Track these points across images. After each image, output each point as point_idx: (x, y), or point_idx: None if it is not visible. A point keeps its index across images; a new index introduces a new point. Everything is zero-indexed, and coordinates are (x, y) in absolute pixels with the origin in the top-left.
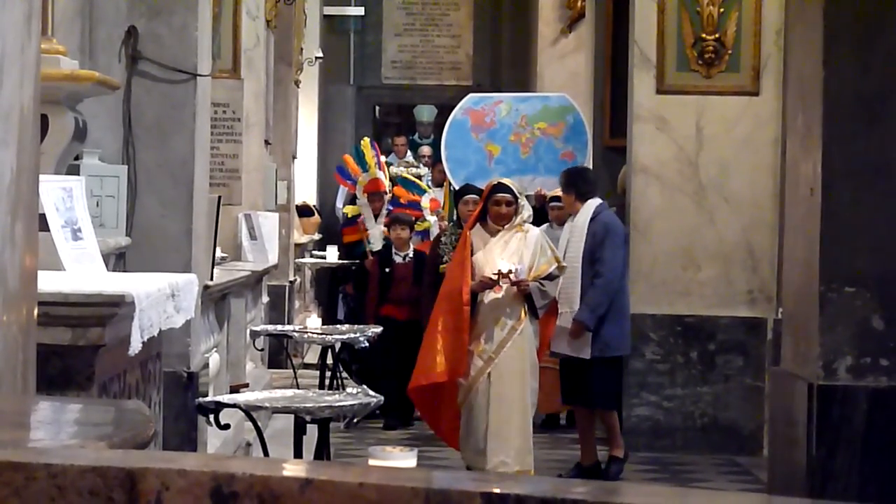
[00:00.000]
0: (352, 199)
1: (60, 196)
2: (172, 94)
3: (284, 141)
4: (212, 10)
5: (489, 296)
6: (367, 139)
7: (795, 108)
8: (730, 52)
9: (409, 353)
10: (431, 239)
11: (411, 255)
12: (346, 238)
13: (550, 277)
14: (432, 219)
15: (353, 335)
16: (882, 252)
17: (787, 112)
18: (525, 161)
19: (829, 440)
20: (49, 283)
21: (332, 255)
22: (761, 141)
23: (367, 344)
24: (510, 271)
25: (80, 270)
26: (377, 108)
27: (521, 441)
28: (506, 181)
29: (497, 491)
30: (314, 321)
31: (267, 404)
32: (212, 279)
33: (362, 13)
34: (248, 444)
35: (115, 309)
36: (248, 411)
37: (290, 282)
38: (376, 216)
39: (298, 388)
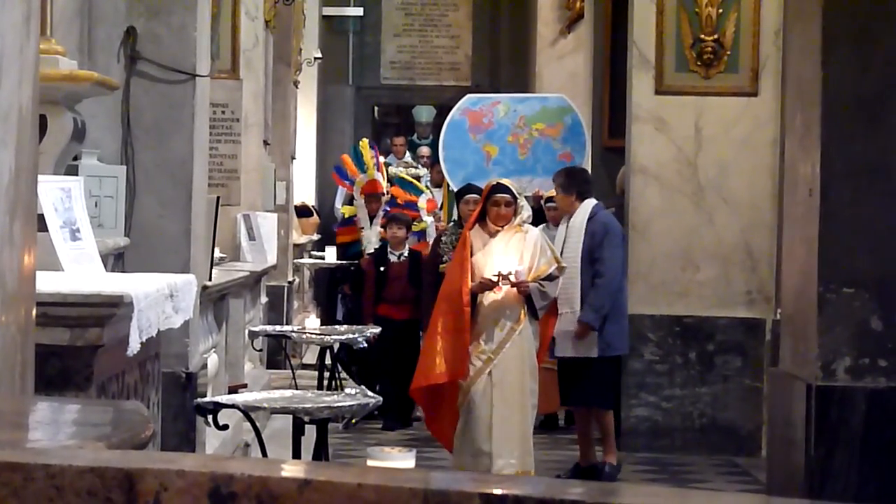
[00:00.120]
0: (349, 200)
1: (59, 196)
2: (171, 95)
3: (283, 141)
4: (211, 10)
5: (488, 297)
6: (365, 140)
7: (794, 109)
8: (728, 52)
9: (406, 353)
10: (428, 239)
11: (406, 254)
12: (339, 238)
13: (550, 278)
14: (429, 219)
15: (351, 335)
16: (881, 253)
17: (785, 113)
18: (523, 162)
19: (827, 441)
20: (48, 283)
21: (330, 255)
22: (760, 141)
23: (365, 344)
24: (510, 272)
25: (78, 271)
26: (376, 108)
27: (521, 442)
28: (505, 181)
29: (495, 491)
30: (313, 322)
31: (265, 405)
32: (210, 279)
33: (361, 14)
34: (247, 445)
35: (113, 309)
36: (247, 412)
37: (289, 282)
38: (373, 217)
39: (297, 389)
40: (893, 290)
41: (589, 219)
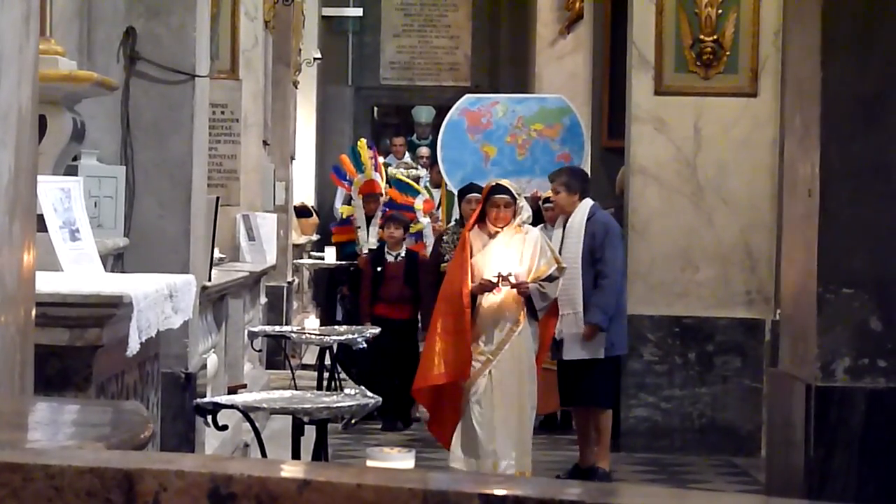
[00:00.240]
0: (349, 200)
1: (58, 196)
2: (171, 95)
3: (283, 142)
4: (210, 10)
5: (488, 298)
6: (363, 140)
7: (793, 109)
8: (728, 53)
9: (403, 353)
10: (425, 240)
11: (403, 254)
12: (335, 237)
13: (550, 279)
14: (425, 220)
15: (350, 336)
16: (880, 253)
17: (785, 113)
18: (521, 163)
19: (826, 441)
20: (47, 283)
21: (330, 255)
22: (759, 142)
23: (364, 345)
24: (509, 273)
25: (78, 271)
26: (375, 108)
27: (519, 443)
28: (504, 182)
29: (495, 492)
30: (312, 322)
31: (265, 405)
32: (210, 280)
33: (360, 14)
34: (246, 445)
35: (113, 310)
36: (246, 412)
37: (288, 283)
38: (371, 218)
39: (296, 389)
40: (893, 290)
41: (588, 219)
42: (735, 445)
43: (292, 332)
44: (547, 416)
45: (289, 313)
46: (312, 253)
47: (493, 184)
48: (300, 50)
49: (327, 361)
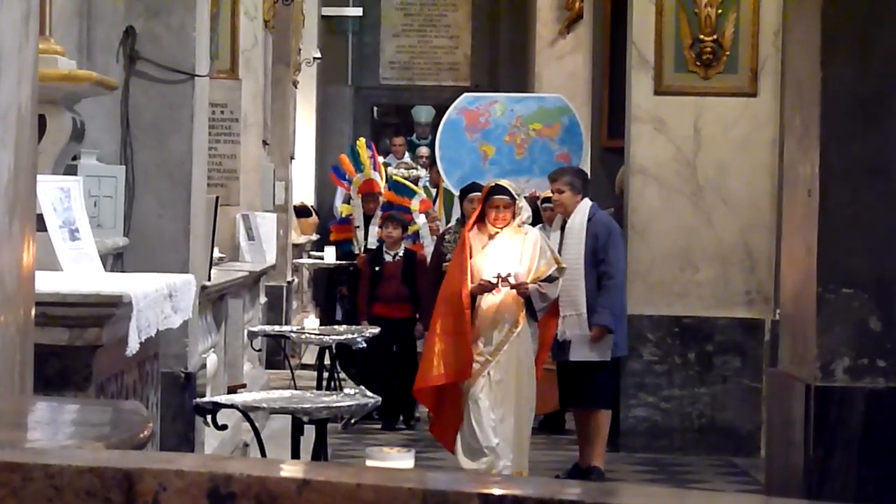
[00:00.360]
0: (348, 199)
1: (58, 196)
2: (170, 95)
3: (282, 141)
4: (210, 10)
5: (487, 299)
6: (362, 139)
7: (793, 109)
8: (728, 53)
9: (401, 352)
10: (422, 241)
11: (401, 254)
12: (333, 236)
13: (550, 279)
14: (421, 221)
15: (350, 336)
16: (879, 253)
17: (784, 113)
18: (520, 162)
19: (826, 441)
20: (47, 283)
21: (329, 255)
22: (759, 142)
23: (364, 345)
24: (509, 274)
25: (77, 271)
26: (375, 108)
27: (517, 443)
28: (504, 183)
29: (494, 492)
30: (312, 322)
31: (264, 405)
32: (209, 279)
33: (360, 14)
34: (246, 445)
35: (112, 309)
36: (246, 412)
37: (288, 282)
38: (370, 217)
39: (296, 389)
40: (892, 290)
41: (588, 219)
42: (734, 445)
43: (292, 331)
44: (547, 416)
45: (288, 313)
46: (312, 253)
47: (493, 184)
48: (300, 50)
49: (327, 361)
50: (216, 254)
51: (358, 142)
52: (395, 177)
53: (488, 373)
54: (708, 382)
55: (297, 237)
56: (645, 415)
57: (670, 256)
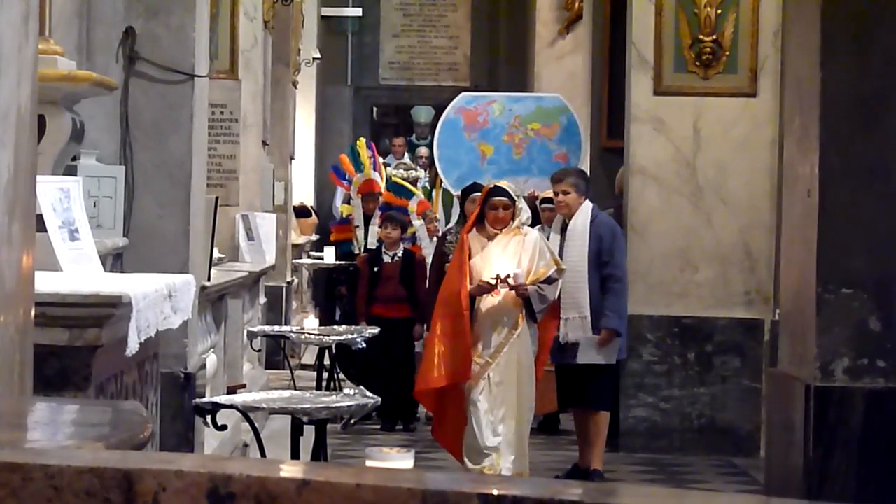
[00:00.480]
0: (348, 199)
1: (58, 196)
2: (170, 95)
3: (282, 142)
4: (209, 10)
5: (486, 301)
6: (362, 139)
7: (793, 110)
8: (727, 53)
9: (398, 353)
10: (419, 242)
11: (400, 254)
12: (333, 236)
13: (549, 281)
14: (418, 223)
15: (350, 336)
16: (879, 253)
17: (784, 113)
18: (518, 162)
19: (826, 441)
20: (46, 283)
21: (329, 256)
22: (759, 142)
23: (364, 345)
24: (508, 275)
25: (77, 271)
26: (375, 108)
27: (517, 445)
28: (503, 184)
29: (494, 492)
30: (311, 322)
31: (264, 405)
32: (209, 280)
33: (360, 14)
34: (246, 445)
35: (112, 310)
36: (245, 412)
37: (288, 283)
38: (370, 217)
39: (295, 389)
40: (892, 290)
41: (591, 221)
42: (734, 445)
43: (291, 332)
44: (547, 417)
45: (288, 313)
46: (311, 253)
47: (492, 186)
48: (299, 50)
49: (326, 361)
50: (216, 254)
51: (358, 142)
52: (393, 178)
53: (488, 375)
54: (707, 383)
55: (296, 237)
56: (644, 415)
57: (670, 257)
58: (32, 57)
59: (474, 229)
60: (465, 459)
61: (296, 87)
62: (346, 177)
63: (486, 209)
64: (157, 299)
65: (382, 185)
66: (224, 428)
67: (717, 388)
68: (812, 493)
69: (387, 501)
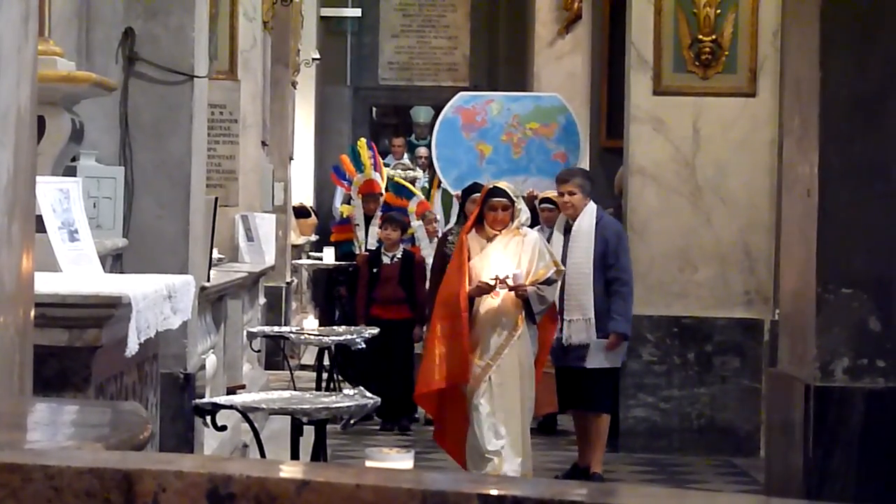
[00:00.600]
0: (348, 199)
1: (57, 197)
2: (169, 96)
3: (281, 142)
4: (209, 11)
5: (486, 302)
6: (363, 140)
7: (792, 110)
8: (727, 53)
9: (397, 353)
10: (418, 243)
11: (399, 255)
12: (333, 236)
13: (549, 282)
14: (416, 224)
15: (349, 337)
16: (879, 253)
17: (783, 113)
18: (517, 161)
19: (825, 441)
20: (46, 284)
21: (328, 256)
22: (758, 142)
23: (363, 345)
24: (507, 276)
25: (76, 272)
26: (374, 109)
27: (521, 446)
28: (502, 185)
29: (493, 492)
30: (311, 322)
31: (264, 406)
32: (209, 280)
33: (359, 14)
34: (245, 446)
35: (111, 310)
36: (245, 413)
37: (287, 283)
38: (371, 217)
39: (295, 390)
40: (891, 290)
41: (596, 222)
42: (734, 445)
43: (291, 332)
44: (545, 418)
45: (287, 314)
46: (311, 253)
47: (491, 186)
48: (299, 50)
49: (326, 362)
50: (215, 255)
51: (359, 142)
52: (395, 178)
53: (489, 377)
54: (707, 383)
55: (296, 238)
56: (644, 415)
57: (669, 256)
58: (32, 57)
59: (473, 230)
60: (469, 463)
61: (295, 88)
62: (347, 177)
63: (485, 210)
64: (157, 300)
65: (383, 185)
66: (224, 428)
67: (716, 388)
68: (812, 493)
69: (387, 502)
